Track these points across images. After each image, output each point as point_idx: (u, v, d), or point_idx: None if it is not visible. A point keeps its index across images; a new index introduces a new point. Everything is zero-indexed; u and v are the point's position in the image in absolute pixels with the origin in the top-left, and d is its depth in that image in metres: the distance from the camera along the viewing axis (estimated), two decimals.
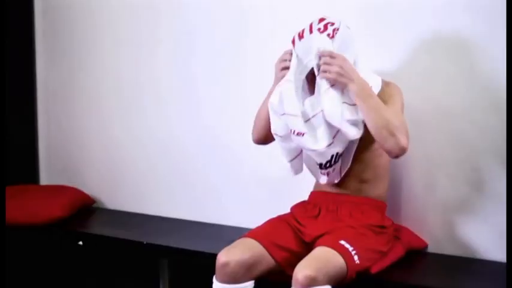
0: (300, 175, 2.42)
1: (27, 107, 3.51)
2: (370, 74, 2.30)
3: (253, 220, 2.50)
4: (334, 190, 2.37)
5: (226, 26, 2.95)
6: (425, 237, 2.53)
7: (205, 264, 2.35)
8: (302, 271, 2.02)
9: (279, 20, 2.81)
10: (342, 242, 2.15)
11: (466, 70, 2.42)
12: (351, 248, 2.14)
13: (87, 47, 3.36)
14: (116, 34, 3.27)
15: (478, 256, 2.46)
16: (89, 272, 3.02)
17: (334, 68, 2.14)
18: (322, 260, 2.07)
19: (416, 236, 2.51)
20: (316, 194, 2.43)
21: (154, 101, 3.17)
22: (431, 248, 2.53)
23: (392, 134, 2.15)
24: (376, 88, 2.25)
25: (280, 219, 2.38)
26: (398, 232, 2.44)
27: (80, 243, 2.87)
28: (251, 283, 2.20)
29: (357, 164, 2.31)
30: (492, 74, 2.37)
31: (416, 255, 2.47)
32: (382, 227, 2.32)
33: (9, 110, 3.42)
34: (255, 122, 2.45)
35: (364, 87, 2.17)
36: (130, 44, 3.22)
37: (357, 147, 2.29)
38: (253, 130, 2.47)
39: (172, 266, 2.84)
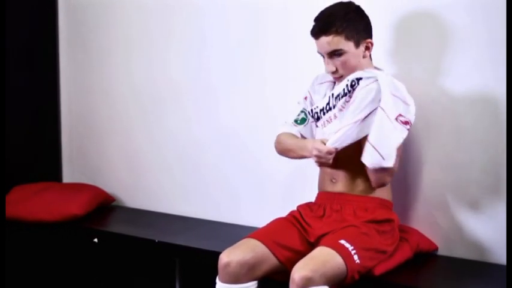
0: (315, 176, 2.45)
1: (51, 107, 3.57)
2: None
3: (268, 220, 2.48)
4: (337, 190, 2.36)
5: (241, 25, 2.95)
6: (436, 240, 2.48)
7: (217, 264, 2.33)
8: (298, 271, 2.02)
9: (294, 19, 2.80)
10: (342, 241, 2.13)
11: (471, 71, 2.39)
12: (350, 248, 2.12)
13: (107, 47, 3.40)
14: (131, 34, 3.30)
15: (491, 260, 2.41)
16: (104, 269, 3.06)
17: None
18: (319, 260, 2.06)
19: (425, 238, 2.47)
20: (321, 195, 2.42)
21: (171, 102, 3.20)
22: (442, 251, 2.48)
23: None
24: None
25: (285, 219, 2.38)
26: (406, 234, 2.40)
27: (95, 240, 2.92)
28: (254, 283, 2.20)
29: (359, 164, 2.27)
30: (493, 75, 2.33)
31: (426, 257, 2.43)
32: (389, 220, 2.29)
33: (34, 110, 3.51)
34: (280, 147, 2.46)
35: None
36: (145, 44, 3.26)
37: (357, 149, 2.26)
38: (278, 148, 2.48)
39: (184, 265, 2.85)
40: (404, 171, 2.51)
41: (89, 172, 3.52)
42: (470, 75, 2.39)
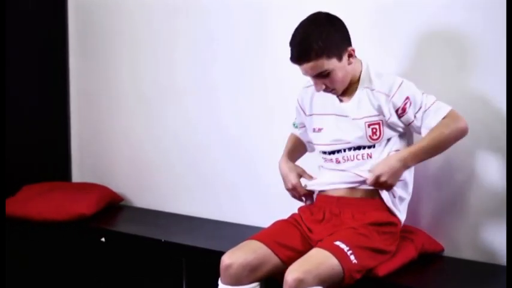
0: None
1: (61, 109, 3.60)
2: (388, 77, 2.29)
3: (272, 220, 2.48)
4: (337, 194, 2.34)
5: (245, 26, 2.95)
6: (442, 241, 2.46)
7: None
8: (291, 273, 2.02)
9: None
10: (337, 242, 2.12)
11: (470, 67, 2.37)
12: (346, 248, 2.10)
13: (114, 51, 3.43)
14: (137, 36, 3.32)
15: (497, 261, 2.38)
16: (111, 268, 3.07)
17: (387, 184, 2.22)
18: (313, 262, 2.05)
19: (431, 238, 2.44)
20: (321, 197, 2.40)
21: (177, 103, 3.21)
22: (448, 252, 2.46)
23: (455, 138, 2.23)
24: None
25: (287, 221, 2.37)
26: (411, 234, 2.38)
27: (103, 239, 2.93)
28: (256, 285, 2.20)
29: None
30: (494, 74, 2.30)
31: (431, 258, 2.41)
32: (391, 223, 2.27)
33: (44, 111, 3.53)
34: None
35: (412, 157, 2.22)
36: (151, 46, 3.28)
37: None
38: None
39: (191, 264, 2.86)
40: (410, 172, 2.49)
41: (98, 172, 3.54)
42: (472, 74, 2.37)
